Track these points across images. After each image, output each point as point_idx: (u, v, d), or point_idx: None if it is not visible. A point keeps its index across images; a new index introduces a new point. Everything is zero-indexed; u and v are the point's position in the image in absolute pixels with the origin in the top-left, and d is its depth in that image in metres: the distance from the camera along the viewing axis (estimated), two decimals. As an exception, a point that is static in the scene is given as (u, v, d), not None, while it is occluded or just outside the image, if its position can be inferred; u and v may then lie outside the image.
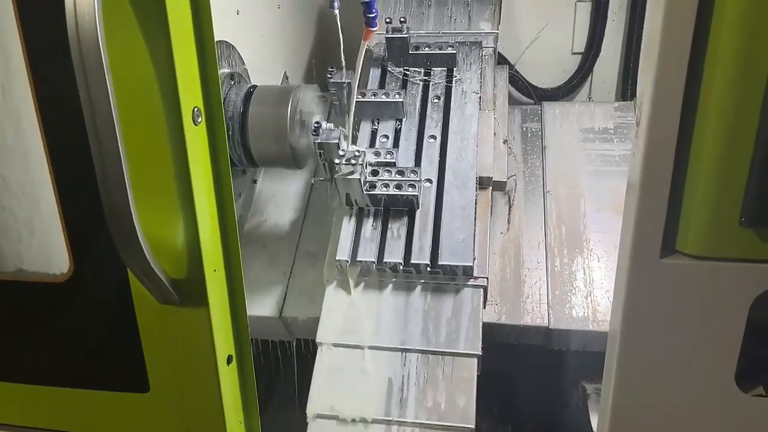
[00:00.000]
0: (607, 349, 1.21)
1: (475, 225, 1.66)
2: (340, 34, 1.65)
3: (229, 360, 1.22)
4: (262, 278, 1.88)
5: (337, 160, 1.63)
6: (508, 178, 1.99)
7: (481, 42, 2.03)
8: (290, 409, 1.97)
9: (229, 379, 1.23)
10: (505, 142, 2.02)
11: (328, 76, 1.78)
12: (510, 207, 1.99)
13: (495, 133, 1.95)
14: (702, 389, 1.15)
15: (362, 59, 1.69)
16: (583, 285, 1.81)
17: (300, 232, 1.97)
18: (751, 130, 0.94)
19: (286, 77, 2.25)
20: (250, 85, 1.79)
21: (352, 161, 1.63)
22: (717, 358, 1.12)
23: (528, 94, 2.67)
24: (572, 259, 1.86)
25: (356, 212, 1.72)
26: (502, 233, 1.94)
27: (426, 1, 2.23)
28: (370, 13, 1.69)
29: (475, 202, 1.70)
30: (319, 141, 1.64)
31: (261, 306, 1.82)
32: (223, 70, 1.73)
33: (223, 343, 1.20)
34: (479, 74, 1.94)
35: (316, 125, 1.64)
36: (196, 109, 1.06)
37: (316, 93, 1.84)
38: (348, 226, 1.69)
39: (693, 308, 1.09)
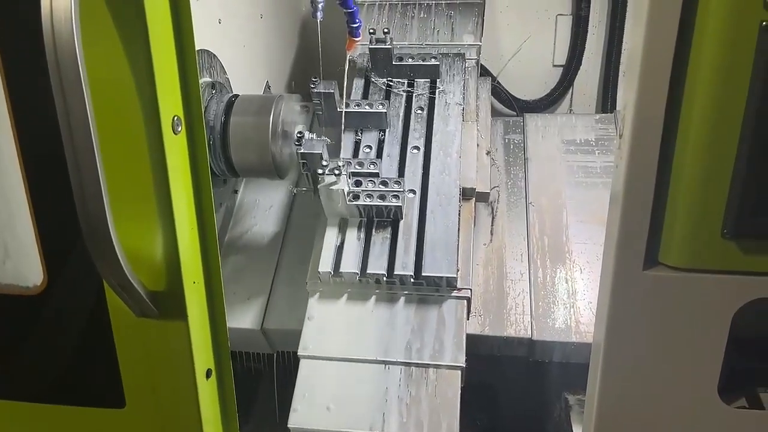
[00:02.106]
0: (590, 360, 1.21)
1: (458, 237, 1.65)
2: (320, 44, 1.65)
3: (208, 374, 1.20)
4: (243, 290, 1.85)
5: (320, 171, 1.62)
6: (491, 189, 1.99)
7: (464, 54, 2.04)
8: (270, 422, 1.94)
9: (208, 393, 1.20)
10: (488, 153, 2.03)
11: (312, 86, 1.78)
12: (493, 218, 1.99)
13: (478, 145, 1.95)
14: (685, 401, 1.15)
15: (347, 69, 1.69)
16: (566, 296, 1.81)
17: (281, 243, 1.95)
18: (732, 143, 0.95)
19: (268, 87, 2.24)
20: (231, 95, 1.78)
21: (336, 172, 1.62)
22: (700, 369, 1.12)
23: (510, 106, 2.69)
24: (555, 271, 1.86)
25: (339, 223, 1.70)
26: (485, 244, 1.94)
27: (409, 12, 2.23)
28: (354, 23, 1.69)
29: (459, 215, 1.69)
30: (302, 151, 1.62)
31: (241, 318, 1.79)
32: (205, 79, 1.71)
33: (203, 356, 1.18)
34: (462, 86, 1.95)
35: (299, 135, 1.63)
36: (175, 118, 1.04)
37: (298, 103, 1.84)
38: (331, 237, 1.68)
39: (676, 320, 1.09)
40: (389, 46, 1.91)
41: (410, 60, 1.95)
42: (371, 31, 1.91)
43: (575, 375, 1.74)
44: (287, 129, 1.74)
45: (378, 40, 1.90)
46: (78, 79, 0.88)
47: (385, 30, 1.90)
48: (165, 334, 1.14)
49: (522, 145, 2.21)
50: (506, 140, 2.22)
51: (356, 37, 1.72)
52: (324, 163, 1.63)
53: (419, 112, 1.90)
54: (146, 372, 1.18)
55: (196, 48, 1.06)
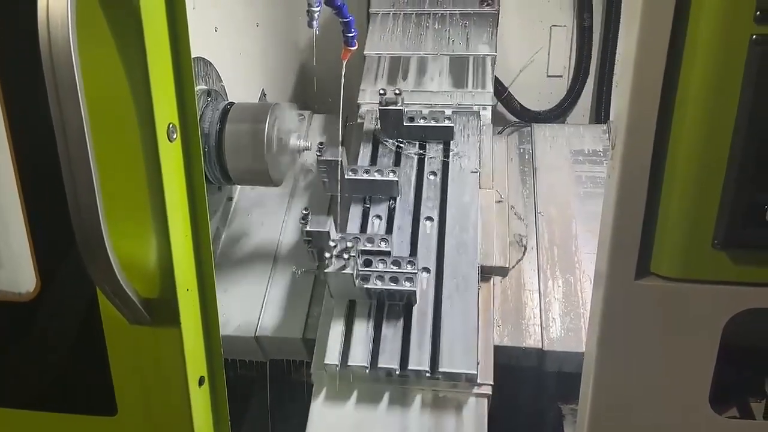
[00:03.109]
0: (583, 370, 1.22)
1: (478, 326, 1.54)
2: (314, 53, 1.65)
3: (201, 381, 1.19)
4: (236, 297, 1.85)
5: (327, 254, 1.50)
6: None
7: (478, 111, 1.97)
8: (263, 431, 1.93)
9: (200, 401, 1.20)
10: (512, 207, 1.94)
11: (318, 154, 1.70)
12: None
13: (498, 201, 1.87)
14: (677, 410, 1.16)
15: (343, 80, 1.68)
16: (575, 307, 1.80)
17: (276, 250, 1.95)
18: (723, 154, 0.96)
19: (263, 95, 2.25)
20: (227, 102, 1.78)
21: (344, 255, 1.49)
22: (691, 379, 1.13)
23: (520, 116, 2.70)
24: (564, 281, 1.85)
25: (347, 307, 1.58)
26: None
27: (424, 22, 2.22)
28: (350, 33, 1.71)
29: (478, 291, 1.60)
30: (308, 229, 1.52)
31: (234, 326, 1.79)
32: (200, 87, 1.72)
33: (195, 364, 1.18)
34: (478, 147, 1.86)
35: (304, 213, 1.53)
36: (171, 126, 1.04)
37: (293, 111, 1.84)
38: (337, 323, 1.55)
39: (667, 329, 1.10)
40: (400, 108, 1.81)
41: (422, 121, 1.85)
42: (381, 92, 1.81)
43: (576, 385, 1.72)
44: (282, 137, 1.75)
45: (388, 102, 1.80)
46: (74, 86, 0.88)
47: (396, 91, 1.81)
48: (158, 342, 1.13)
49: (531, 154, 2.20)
50: (521, 150, 2.19)
51: (352, 46, 1.73)
52: (331, 243, 1.51)
53: (432, 177, 1.80)
54: (138, 379, 1.17)
55: (192, 56, 1.06)
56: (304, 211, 1.54)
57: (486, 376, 1.52)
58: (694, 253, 1.02)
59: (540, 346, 1.72)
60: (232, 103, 1.77)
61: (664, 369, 1.13)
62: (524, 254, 1.87)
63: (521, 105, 2.69)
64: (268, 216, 2.03)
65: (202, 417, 1.21)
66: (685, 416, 1.16)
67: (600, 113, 2.74)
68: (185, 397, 1.16)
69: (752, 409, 1.24)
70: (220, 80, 1.85)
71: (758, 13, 0.88)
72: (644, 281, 1.06)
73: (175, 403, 1.17)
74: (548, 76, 2.74)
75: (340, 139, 1.82)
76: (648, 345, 1.11)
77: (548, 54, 2.71)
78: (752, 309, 1.06)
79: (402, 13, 2.25)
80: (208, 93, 1.75)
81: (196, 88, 1.58)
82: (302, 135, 1.82)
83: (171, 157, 1.05)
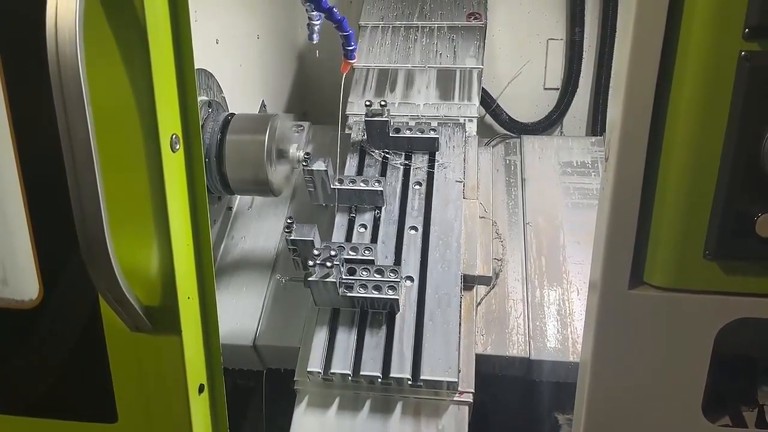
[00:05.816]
0: (578, 379, 1.23)
1: (459, 335, 1.56)
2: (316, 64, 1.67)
3: (200, 389, 1.21)
4: (236, 306, 1.86)
5: (311, 262, 1.51)
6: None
7: (464, 123, 1.99)
8: (261, 440, 1.93)
9: (200, 408, 1.21)
10: (494, 224, 1.96)
11: (304, 164, 1.72)
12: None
13: (481, 216, 1.89)
14: (670, 419, 1.17)
15: (342, 92, 1.69)
16: (563, 316, 1.81)
17: (275, 259, 1.97)
18: (713, 167, 0.98)
19: (263, 106, 2.27)
20: (227, 113, 1.81)
21: (327, 263, 1.50)
22: (684, 388, 1.14)
23: (509, 128, 2.73)
24: (552, 291, 1.86)
25: (330, 314, 1.60)
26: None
27: (412, 35, 2.26)
28: (349, 46, 1.73)
29: (460, 305, 1.62)
30: (292, 238, 1.54)
31: (233, 334, 1.80)
32: (201, 98, 1.74)
33: (195, 371, 1.19)
34: (462, 159, 1.89)
35: (288, 221, 1.55)
36: (174, 136, 1.06)
37: (293, 122, 1.86)
38: (321, 331, 1.56)
39: (660, 338, 1.11)
40: (386, 119, 1.84)
41: (408, 132, 1.87)
42: (367, 103, 1.83)
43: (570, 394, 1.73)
44: (282, 147, 1.77)
45: (374, 113, 1.82)
46: (80, 97, 0.91)
47: (382, 102, 1.83)
48: (159, 349, 1.15)
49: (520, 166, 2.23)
50: (507, 161, 2.21)
51: (351, 59, 1.76)
52: (315, 251, 1.53)
53: (417, 187, 1.82)
54: (139, 386, 1.18)
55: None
56: (288, 220, 1.56)
57: (467, 384, 1.53)
58: (686, 264, 1.04)
59: (526, 356, 1.72)
60: (232, 114, 1.80)
61: (658, 377, 1.14)
62: (497, 279, 1.88)
63: (510, 117, 2.72)
64: (267, 225, 2.05)
65: (202, 424, 1.22)
66: (679, 425, 1.17)
67: (596, 126, 2.77)
68: (185, 405, 1.17)
69: (745, 417, 1.25)
70: (221, 91, 1.87)
71: (747, 30, 0.91)
72: (637, 291, 1.08)
73: (175, 411, 1.18)
74: (545, 89, 2.77)
75: (338, 149, 1.83)
76: (642, 354, 1.13)
77: (545, 67, 2.75)
78: (743, 318, 1.08)
79: (391, 26, 2.28)
80: (209, 104, 1.77)
81: (198, 100, 1.61)
82: (301, 146, 1.85)
83: (174, 167, 1.07)
